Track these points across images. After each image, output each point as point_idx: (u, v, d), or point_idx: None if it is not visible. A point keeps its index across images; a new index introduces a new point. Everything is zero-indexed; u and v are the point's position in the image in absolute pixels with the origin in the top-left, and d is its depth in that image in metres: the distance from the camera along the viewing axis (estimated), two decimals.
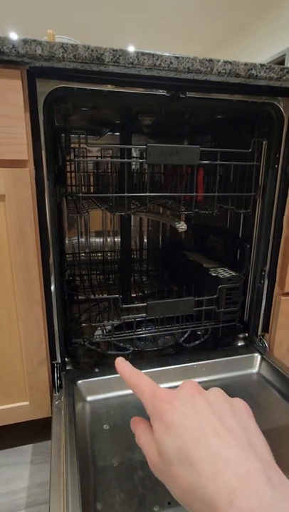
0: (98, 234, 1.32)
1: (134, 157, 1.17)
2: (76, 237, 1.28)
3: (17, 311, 0.66)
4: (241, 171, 0.85)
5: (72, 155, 0.89)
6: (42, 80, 0.59)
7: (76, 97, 0.69)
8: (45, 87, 0.60)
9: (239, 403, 0.30)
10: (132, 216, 1.20)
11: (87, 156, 1.07)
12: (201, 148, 0.71)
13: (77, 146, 0.72)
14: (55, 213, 0.70)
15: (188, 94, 0.68)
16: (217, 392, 0.31)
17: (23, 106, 0.57)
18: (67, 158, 0.88)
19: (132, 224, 1.26)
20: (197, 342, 0.94)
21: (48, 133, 0.62)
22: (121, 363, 0.36)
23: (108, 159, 1.13)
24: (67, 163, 0.86)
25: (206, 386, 0.74)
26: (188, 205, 0.85)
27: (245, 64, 0.64)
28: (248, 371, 0.83)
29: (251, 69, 0.65)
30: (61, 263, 1.12)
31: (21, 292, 0.65)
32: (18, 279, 0.64)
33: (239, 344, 0.92)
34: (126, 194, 0.69)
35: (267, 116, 0.76)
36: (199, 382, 0.32)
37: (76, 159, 0.67)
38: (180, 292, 1.16)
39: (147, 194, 0.71)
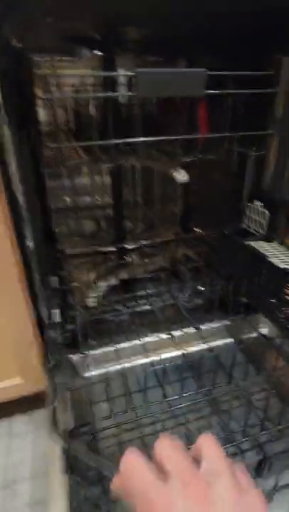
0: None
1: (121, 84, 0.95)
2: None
3: None
4: (254, 101, 0.68)
5: (41, 90, 0.70)
6: None
7: None
8: None
9: None
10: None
11: (60, 87, 0.86)
12: (209, 72, 0.54)
13: (46, 73, 0.55)
14: (28, 169, 0.56)
15: None
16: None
17: None
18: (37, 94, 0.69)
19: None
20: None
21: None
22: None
23: (87, 95, 0.90)
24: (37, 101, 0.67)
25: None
26: (189, 148, 0.70)
27: None
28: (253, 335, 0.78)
29: None
30: (47, 227, 1.00)
31: None
32: None
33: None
34: (113, 141, 0.54)
35: None
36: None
37: (45, 96, 0.50)
38: None
39: (140, 139, 0.56)
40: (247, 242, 0.75)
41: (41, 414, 0.75)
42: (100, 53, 0.91)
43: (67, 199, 1.16)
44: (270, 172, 0.71)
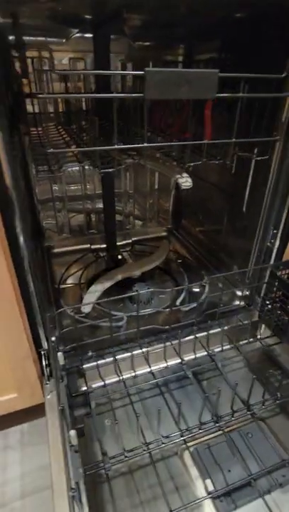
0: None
1: (117, 72, 0.87)
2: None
3: None
4: (260, 103, 0.64)
5: (31, 77, 0.62)
6: None
7: None
8: None
9: None
10: None
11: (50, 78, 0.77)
12: (221, 74, 0.50)
13: (34, 55, 0.48)
14: (19, 175, 0.50)
15: None
16: None
17: None
18: (26, 84, 0.62)
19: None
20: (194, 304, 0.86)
21: None
22: None
23: (86, 95, 0.81)
24: (26, 98, 0.59)
25: None
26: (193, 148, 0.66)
27: None
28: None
29: None
30: (35, 227, 0.92)
31: None
32: None
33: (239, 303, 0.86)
34: (116, 147, 0.50)
35: None
36: None
37: (39, 95, 0.44)
38: None
39: (144, 145, 0.51)
40: None
41: (35, 426, 0.73)
42: (90, 35, 0.83)
43: (56, 188, 1.08)
44: None
